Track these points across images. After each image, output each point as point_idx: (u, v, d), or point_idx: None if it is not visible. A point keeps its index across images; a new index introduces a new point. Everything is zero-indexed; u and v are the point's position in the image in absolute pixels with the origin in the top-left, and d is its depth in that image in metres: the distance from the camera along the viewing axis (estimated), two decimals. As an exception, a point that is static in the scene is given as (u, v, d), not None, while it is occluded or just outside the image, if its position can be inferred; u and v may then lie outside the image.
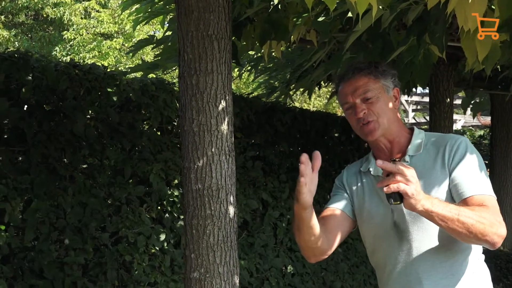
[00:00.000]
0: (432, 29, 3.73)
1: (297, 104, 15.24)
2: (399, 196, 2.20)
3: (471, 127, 20.99)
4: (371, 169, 2.62)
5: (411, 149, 2.53)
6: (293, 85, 6.90)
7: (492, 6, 3.26)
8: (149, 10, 5.30)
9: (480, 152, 2.52)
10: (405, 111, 20.88)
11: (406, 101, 18.93)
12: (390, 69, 2.60)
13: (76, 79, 4.34)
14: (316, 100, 20.18)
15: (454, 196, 2.36)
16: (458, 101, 13.47)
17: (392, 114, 2.56)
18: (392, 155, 2.56)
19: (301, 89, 7.14)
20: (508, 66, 5.62)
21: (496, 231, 2.23)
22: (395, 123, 2.56)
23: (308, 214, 2.39)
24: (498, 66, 5.56)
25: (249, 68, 6.80)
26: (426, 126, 16.37)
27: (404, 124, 2.66)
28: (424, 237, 2.45)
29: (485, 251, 2.54)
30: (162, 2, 5.16)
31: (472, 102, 9.28)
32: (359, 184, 2.68)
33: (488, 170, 8.83)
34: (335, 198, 2.75)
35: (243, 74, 7.45)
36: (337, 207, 2.71)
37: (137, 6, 5.39)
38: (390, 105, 2.55)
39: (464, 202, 2.31)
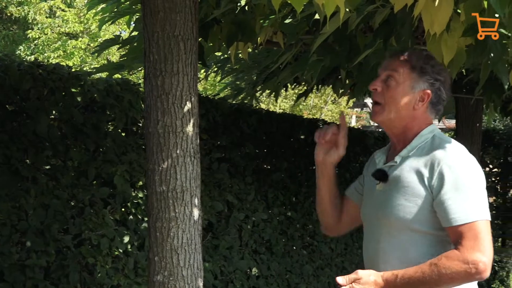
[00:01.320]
0: (398, 32, 3.74)
1: (263, 106, 15.25)
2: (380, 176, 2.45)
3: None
4: (376, 160, 2.64)
5: (405, 150, 2.48)
6: (260, 87, 6.89)
7: (458, 10, 3.27)
8: (115, 10, 5.24)
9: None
10: (370, 113, 21.01)
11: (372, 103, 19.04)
12: (437, 71, 2.50)
13: (39, 79, 4.28)
14: (283, 102, 20.23)
15: (441, 222, 2.33)
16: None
17: (404, 109, 2.48)
18: (396, 150, 2.55)
19: (268, 91, 7.13)
20: (473, 70, 5.66)
21: (468, 266, 2.22)
22: (406, 120, 2.50)
23: (321, 183, 2.76)
24: (463, 70, 5.60)
25: (215, 69, 6.77)
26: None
27: (426, 123, 2.54)
28: (390, 242, 2.46)
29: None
30: (128, 2, 5.11)
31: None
32: (371, 169, 2.69)
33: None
34: (352, 185, 2.89)
35: (210, 75, 7.42)
36: (348, 194, 2.87)
37: (103, 5, 5.33)
38: (407, 100, 2.47)
39: (449, 230, 2.31)
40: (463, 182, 2.31)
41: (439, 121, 11.91)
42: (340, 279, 2.35)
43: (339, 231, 2.98)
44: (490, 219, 2.33)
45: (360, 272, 2.37)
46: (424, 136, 2.48)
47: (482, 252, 2.24)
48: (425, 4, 2.89)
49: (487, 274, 2.25)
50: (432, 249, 2.37)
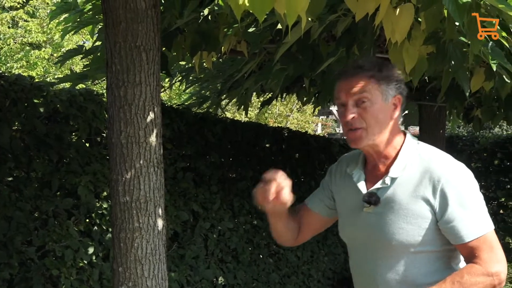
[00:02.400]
0: (360, 41, 3.78)
1: (229, 115, 15.24)
2: (374, 200, 2.35)
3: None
4: (354, 178, 2.52)
5: (393, 169, 2.38)
6: (224, 96, 6.90)
7: (419, 19, 3.30)
8: (78, 19, 5.22)
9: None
10: (336, 121, 21.10)
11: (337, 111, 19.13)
12: (395, 74, 2.43)
13: (1, 90, 4.23)
14: (248, 111, 20.23)
15: (450, 239, 2.31)
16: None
17: (385, 124, 2.39)
18: (377, 168, 2.47)
19: (234, 100, 7.14)
20: (435, 77, 5.72)
21: (492, 278, 2.23)
22: (387, 135, 2.41)
23: (273, 221, 2.64)
24: (426, 77, 5.65)
25: (180, 78, 6.77)
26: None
27: (400, 135, 2.48)
28: (388, 265, 2.41)
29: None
30: (91, 12, 5.09)
31: (403, 114, 9.43)
32: (343, 183, 2.61)
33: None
34: (316, 196, 2.77)
35: (175, 84, 7.41)
36: (311, 207, 2.75)
37: (66, 15, 5.31)
38: (386, 114, 2.38)
39: (460, 247, 2.30)
40: (466, 198, 2.28)
41: (406, 129, 11.98)
42: None
43: (297, 242, 2.84)
44: (494, 227, 2.34)
45: None
46: (409, 151, 2.41)
47: (500, 262, 2.26)
48: (386, 13, 2.92)
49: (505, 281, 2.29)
50: (432, 266, 2.36)
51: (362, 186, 2.47)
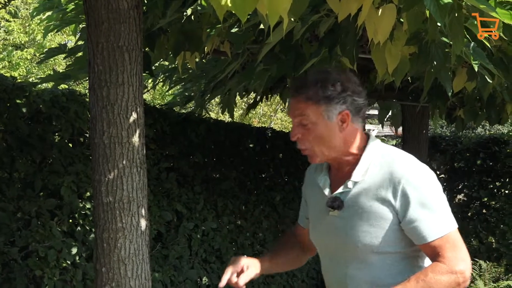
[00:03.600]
0: (343, 41, 3.78)
1: (213, 115, 15.22)
2: (337, 205, 2.38)
3: (383, 137, 21.41)
4: (320, 183, 2.53)
5: (355, 174, 2.38)
6: (208, 96, 6.89)
7: (401, 19, 3.32)
8: (61, 17, 5.21)
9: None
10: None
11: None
12: (341, 90, 2.35)
13: (-17, 91, 4.23)
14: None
15: (413, 240, 2.31)
16: (372, 111, 13.66)
17: (334, 140, 2.37)
18: (340, 172, 2.47)
19: (217, 100, 7.13)
20: (418, 78, 5.74)
21: (456, 276, 2.23)
22: (339, 147, 2.39)
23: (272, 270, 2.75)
24: (409, 78, 5.67)
25: (163, 78, 6.76)
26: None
27: (362, 139, 2.45)
28: (356, 267, 2.42)
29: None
30: (74, 12, 5.08)
31: (388, 115, 9.45)
32: (312, 188, 2.62)
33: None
34: (301, 212, 2.81)
35: (158, 85, 7.40)
36: (302, 225, 2.79)
37: (49, 13, 5.29)
38: (331, 131, 2.36)
39: (423, 247, 2.30)
40: (427, 198, 2.29)
41: (396, 131, 11.98)
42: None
43: (311, 255, 2.87)
44: (457, 226, 2.34)
45: None
46: (371, 155, 2.40)
47: (464, 260, 2.27)
48: (368, 13, 2.92)
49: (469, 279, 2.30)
50: (399, 266, 2.37)
51: (327, 191, 2.49)
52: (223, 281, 2.42)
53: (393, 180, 2.30)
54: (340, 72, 2.44)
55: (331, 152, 2.40)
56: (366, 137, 2.47)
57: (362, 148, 2.43)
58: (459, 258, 2.25)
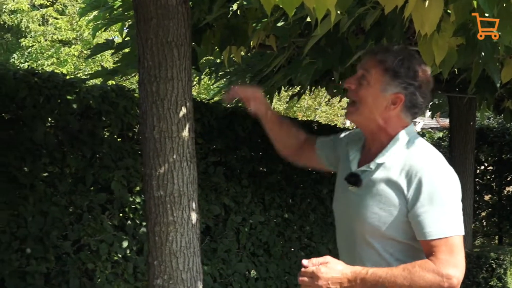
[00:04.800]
0: (389, 34, 3.77)
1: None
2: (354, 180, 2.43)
3: (430, 129, 21.21)
4: (350, 157, 2.57)
5: (380, 156, 2.41)
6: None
7: (448, 11, 3.30)
8: (108, 16, 5.26)
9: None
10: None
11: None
12: (410, 75, 2.39)
13: (35, 87, 4.30)
14: (277, 104, 20.24)
15: (416, 234, 2.32)
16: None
17: (376, 111, 2.41)
18: (370, 152, 2.50)
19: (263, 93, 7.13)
20: (465, 69, 5.69)
21: (441, 279, 2.20)
22: (377, 121, 2.43)
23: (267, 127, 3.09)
24: (456, 69, 5.63)
25: (208, 73, 6.79)
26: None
27: (402, 126, 2.46)
28: (364, 243, 2.45)
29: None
30: (121, 9, 5.13)
31: (430, 103, 9.40)
32: (345, 157, 2.64)
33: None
34: (326, 143, 2.85)
35: (204, 79, 7.42)
36: (317, 146, 2.86)
37: (96, 12, 5.36)
38: (378, 102, 2.40)
39: (422, 242, 2.30)
40: (439, 195, 2.28)
41: (432, 118, 11.90)
42: (305, 261, 2.35)
43: (292, 158, 3.05)
44: (464, 234, 2.31)
45: (329, 258, 2.34)
46: (400, 141, 2.42)
47: (456, 268, 2.23)
48: (415, 5, 2.91)
49: None
50: (402, 254, 2.38)
51: (353, 165, 2.53)
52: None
53: (411, 171, 2.31)
54: (424, 67, 2.49)
55: (369, 120, 2.45)
56: (405, 126, 2.48)
57: (396, 134, 2.44)
58: (450, 263, 2.22)
